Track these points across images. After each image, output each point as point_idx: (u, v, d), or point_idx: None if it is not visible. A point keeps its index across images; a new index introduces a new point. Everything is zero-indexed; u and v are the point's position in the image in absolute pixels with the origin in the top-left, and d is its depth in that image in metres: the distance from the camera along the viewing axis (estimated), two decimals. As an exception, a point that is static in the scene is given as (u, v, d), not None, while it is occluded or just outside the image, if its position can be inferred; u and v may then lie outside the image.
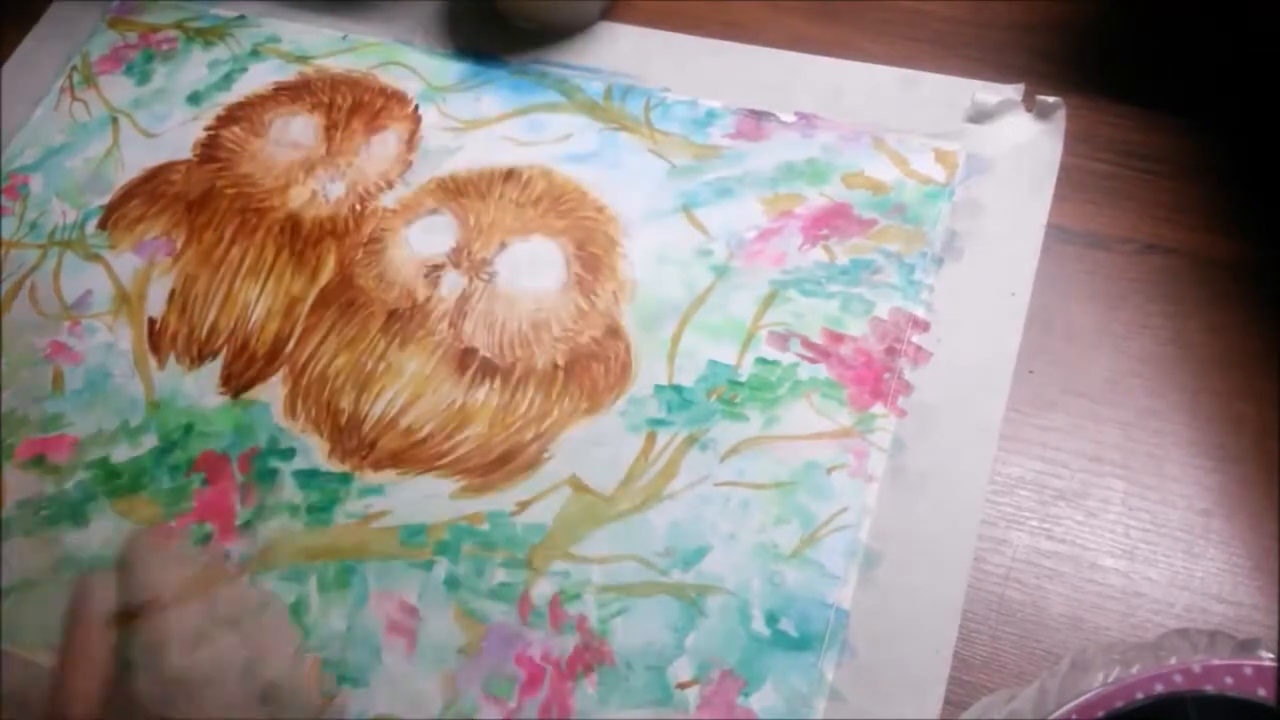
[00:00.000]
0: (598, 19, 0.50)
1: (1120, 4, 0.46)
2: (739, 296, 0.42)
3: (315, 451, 0.41)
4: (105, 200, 0.49)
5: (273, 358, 0.44)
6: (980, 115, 0.44)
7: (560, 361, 0.41)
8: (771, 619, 0.36)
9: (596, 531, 0.38)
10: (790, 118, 0.46)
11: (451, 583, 0.38)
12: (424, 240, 0.45)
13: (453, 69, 0.50)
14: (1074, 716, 0.26)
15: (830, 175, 0.44)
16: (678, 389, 0.40)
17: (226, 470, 0.41)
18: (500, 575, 0.38)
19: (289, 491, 0.41)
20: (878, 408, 0.39)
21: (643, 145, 0.46)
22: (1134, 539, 0.36)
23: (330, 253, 0.46)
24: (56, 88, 0.53)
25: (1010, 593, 0.36)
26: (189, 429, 0.42)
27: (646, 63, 0.48)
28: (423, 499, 0.40)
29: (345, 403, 0.42)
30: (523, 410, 0.41)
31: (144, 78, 0.52)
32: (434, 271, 0.44)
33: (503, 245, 0.44)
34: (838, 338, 0.40)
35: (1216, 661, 0.26)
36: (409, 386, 0.42)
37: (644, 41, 0.49)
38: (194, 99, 0.51)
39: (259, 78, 0.51)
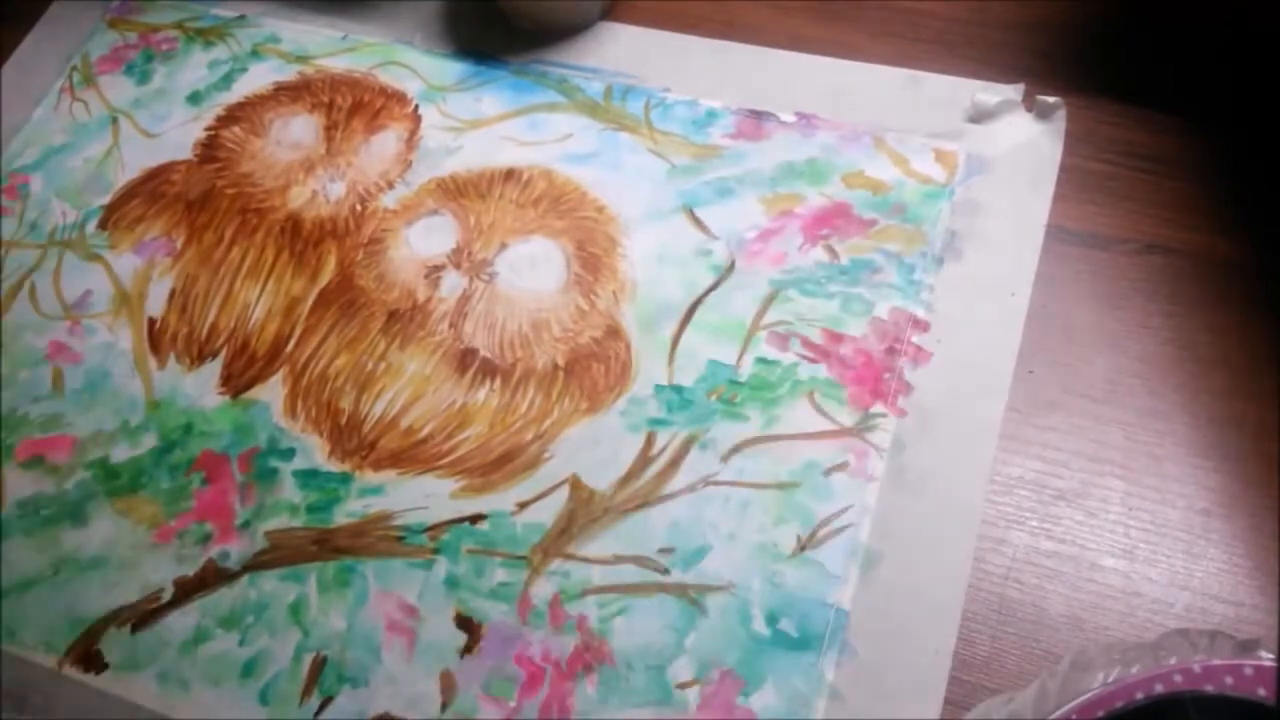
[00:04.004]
0: (598, 19, 0.50)
1: (1120, 4, 0.46)
2: (739, 296, 0.42)
3: (315, 451, 0.41)
4: (105, 200, 0.49)
5: (273, 358, 0.44)
6: (980, 115, 0.44)
7: (560, 361, 0.41)
8: (772, 619, 0.36)
9: (596, 531, 0.38)
10: (790, 118, 0.46)
11: (451, 582, 0.38)
12: (424, 241, 0.45)
13: (453, 69, 0.50)
14: (1074, 716, 0.26)
15: (830, 175, 0.44)
16: (678, 389, 0.40)
17: (226, 470, 0.41)
18: (500, 575, 0.38)
19: (289, 491, 0.41)
20: (878, 408, 0.39)
21: (643, 145, 0.46)
22: (1134, 539, 0.36)
23: (330, 253, 0.46)
24: (56, 88, 0.53)
25: (1010, 593, 0.36)
26: (189, 429, 0.42)
27: (646, 63, 0.48)
28: (423, 499, 0.40)
29: (345, 403, 0.42)
30: (523, 410, 0.41)
31: (144, 78, 0.52)
32: (434, 272, 0.44)
33: (503, 245, 0.44)
34: (838, 338, 0.40)
35: (1216, 661, 0.25)
36: (409, 387, 0.42)
37: (644, 41, 0.49)
38: (194, 99, 0.51)
39: (259, 78, 0.51)
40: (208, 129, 0.50)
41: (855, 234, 0.42)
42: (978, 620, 0.35)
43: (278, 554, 0.39)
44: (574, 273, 0.43)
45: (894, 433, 0.38)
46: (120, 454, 0.43)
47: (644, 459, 0.39)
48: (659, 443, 0.39)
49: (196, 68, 0.52)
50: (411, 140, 0.48)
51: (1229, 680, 0.25)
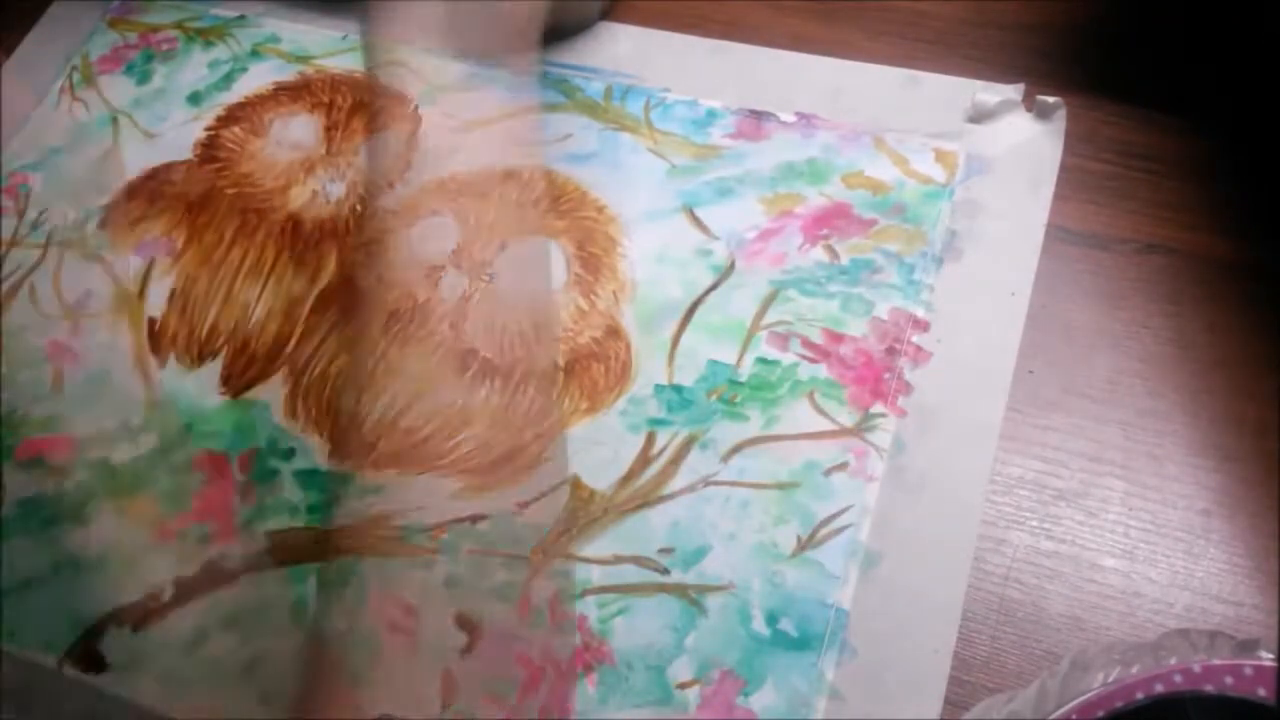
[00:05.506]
0: (598, 19, 0.50)
1: (1120, 4, 0.46)
2: (739, 296, 0.42)
3: (315, 451, 0.41)
4: (105, 200, 0.49)
5: (273, 358, 0.44)
6: (980, 115, 0.44)
7: (560, 362, 0.41)
8: (772, 619, 0.36)
9: (596, 531, 0.38)
10: (790, 118, 0.46)
11: (451, 582, 0.38)
12: (424, 241, 0.45)
13: (453, 69, 0.50)
14: (1074, 716, 0.26)
15: (830, 175, 0.44)
16: (678, 389, 0.40)
17: (226, 470, 0.41)
18: (500, 575, 0.38)
19: (289, 491, 0.41)
20: (878, 408, 0.39)
21: (643, 145, 0.46)
22: (1134, 539, 0.36)
23: (330, 254, 0.46)
24: (56, 88, 0.53)
25: (1010, 593, 0.36)
26: (189, 429, 0.42)
27: (646, 63, 0.48)
28: (423, 499, 0.40)
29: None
30: (523, 410, 0.41)
31: (144, 78, 0.52)
32: (434, 272, 0.44)
33: (503, 245, 0.44)
34: (838, 338, 0.40)
35: (1216, 661, 0.26)
36: (409, 387, 0.42)
37: (644, 41, 0.49)
38: (194, 99, 0.51)
39: (259, 78, 0.51)
40: (208, 129, 0.50)
41: (855, 234, 0.42)
42: (978, 620, 0.35)
43: (278, 554, 0.39)
44: (574, 273, 0.43)
45: (894, 433, 0.38)
46: (120, 454, 0.43)
47: (644, 459, 0.39)
48: (659, 443, 0.39)
49: (196, 68, 0.52)
50: (411, 141, 0.48)
51: (1229, 680, 0.25)
